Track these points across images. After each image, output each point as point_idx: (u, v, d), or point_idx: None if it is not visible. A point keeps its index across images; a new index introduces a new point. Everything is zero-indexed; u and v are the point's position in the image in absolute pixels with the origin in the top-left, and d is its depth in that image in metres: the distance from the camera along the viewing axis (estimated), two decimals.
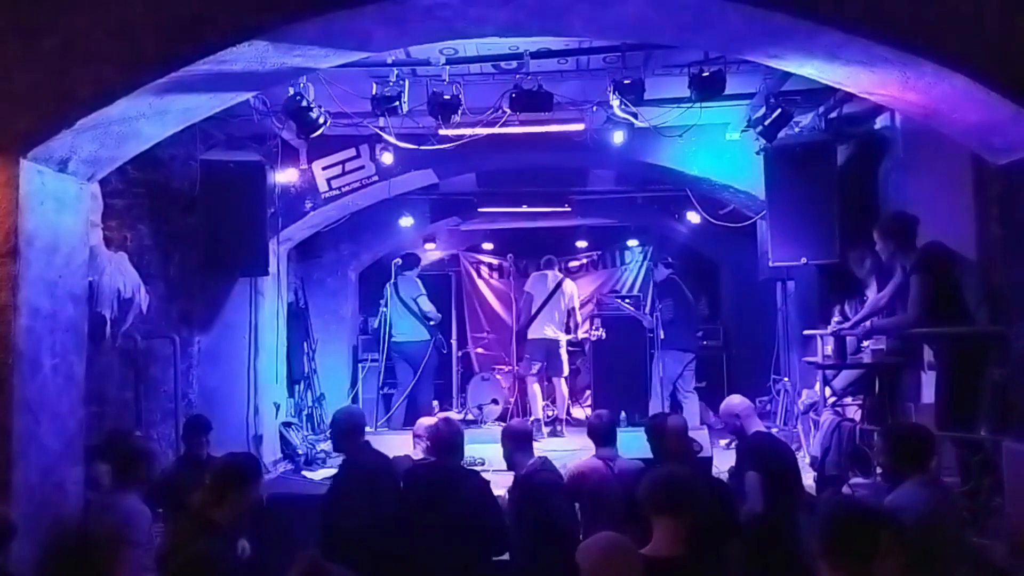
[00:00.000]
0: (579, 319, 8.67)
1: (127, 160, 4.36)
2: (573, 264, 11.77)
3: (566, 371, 8.19)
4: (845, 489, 5.16)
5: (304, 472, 6.89)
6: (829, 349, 5.34)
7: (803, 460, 5.59)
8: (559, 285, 8.13)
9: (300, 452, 7.19)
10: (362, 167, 7.45)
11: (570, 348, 9.68)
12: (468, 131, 6.26)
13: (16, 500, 3.42)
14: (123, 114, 3.69)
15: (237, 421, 6.58)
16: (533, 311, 8.02)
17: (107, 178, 4.77)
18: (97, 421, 5.18)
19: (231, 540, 3.52)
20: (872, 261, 5.40)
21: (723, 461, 5.64)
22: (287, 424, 7.53)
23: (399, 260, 8.25)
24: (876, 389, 5.24)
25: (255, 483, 3.46)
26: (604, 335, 8.37)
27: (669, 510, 2.84)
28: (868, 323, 4.93)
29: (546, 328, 7.97)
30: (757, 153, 6.57)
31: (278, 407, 7.43)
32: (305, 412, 8.49)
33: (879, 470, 4.10)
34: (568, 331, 8.23)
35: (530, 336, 8.05)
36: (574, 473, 4.39)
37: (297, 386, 8.50)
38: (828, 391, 5.69)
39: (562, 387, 8.13)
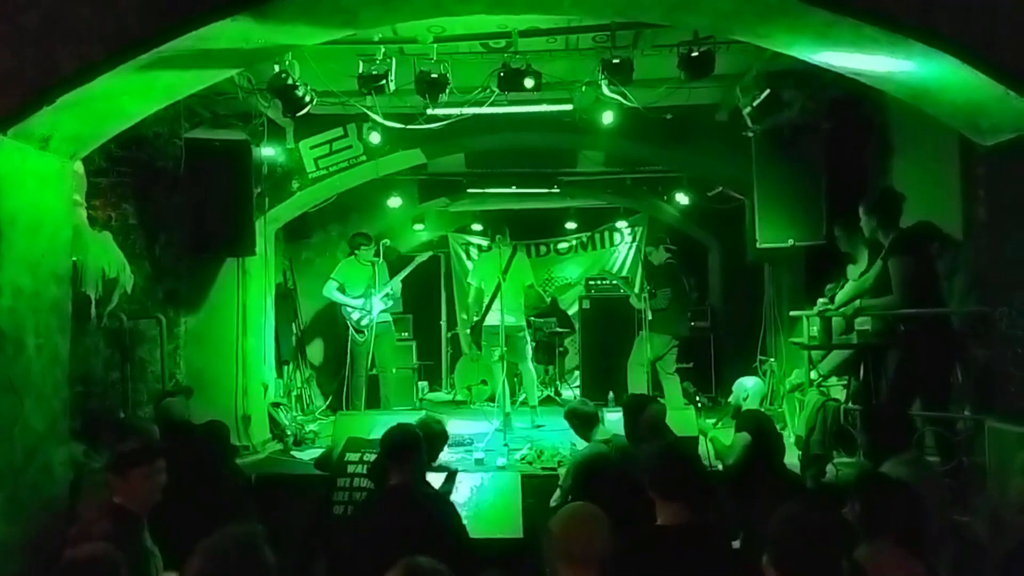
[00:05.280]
0: (541, 292, 8.50)
1: (111, 138, 4.31)
2: (562, 245, 11.78)
3: (530, 355, 7.95)
4: (829, 468, 5.24)
5: (293, 452, 6.90)
6: (815, 330, 5.39)
7: (788, 439, 5.65)
8: (510, 261, 7.56)
9: (289, 432, 7.21)
10: (349, 147, 7.39)
11: (558, 329, 9.74)
12: (456, 111, 6.22)
13: (1, 481, 3.41)
14: (106, 91, 3.63)
15: (225, 402, 6.57)
16: (486, 300, 7.57)
17: (91, 157, 4.73)
18: (83, 402, 5.16)
19: (140, 528, 3.13)
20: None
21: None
22: (276, 404, 7.53)
23: (387, 241, 8.17)
24: (861, 369, 5.29)
25: (154, 463, 3.21)
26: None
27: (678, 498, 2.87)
28: (856, 303, 4.97)
29: (503, 313, 7.21)
30: (745, 134, 6.57)
31: (266, 387, 7.42)
32: (294, 393, 8.50)
33: (862, 449, 4.17)
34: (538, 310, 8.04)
35: (486, 323, 7.56)
36: (586, 464, 4.50)
37: (286, 367, 8.50)
38: (815, 374, 5.74)
39: (530, 370, 7.89)
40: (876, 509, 2.48)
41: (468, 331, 10.07)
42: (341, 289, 7.79)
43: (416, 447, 3.49)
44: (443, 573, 2.10)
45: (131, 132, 4.57)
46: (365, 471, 4.52)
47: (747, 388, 5.17)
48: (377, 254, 7.88)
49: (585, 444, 4.85)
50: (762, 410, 5.12)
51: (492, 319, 7.48)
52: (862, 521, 2.49)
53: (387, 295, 7.75)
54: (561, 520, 2.51)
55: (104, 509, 3.13)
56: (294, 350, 8.82)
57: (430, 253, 9.13)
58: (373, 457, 4.53)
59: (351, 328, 7.69)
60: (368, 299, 7.65)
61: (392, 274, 7.93)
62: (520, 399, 8.19)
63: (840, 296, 5.21)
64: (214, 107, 6.53)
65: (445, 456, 4.98)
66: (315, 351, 9.30)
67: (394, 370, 8.20)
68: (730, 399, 5.41)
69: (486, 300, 7.68)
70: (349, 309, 7.73)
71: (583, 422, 4.85)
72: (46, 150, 3.78)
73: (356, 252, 7.89)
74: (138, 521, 3.12)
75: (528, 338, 7.96)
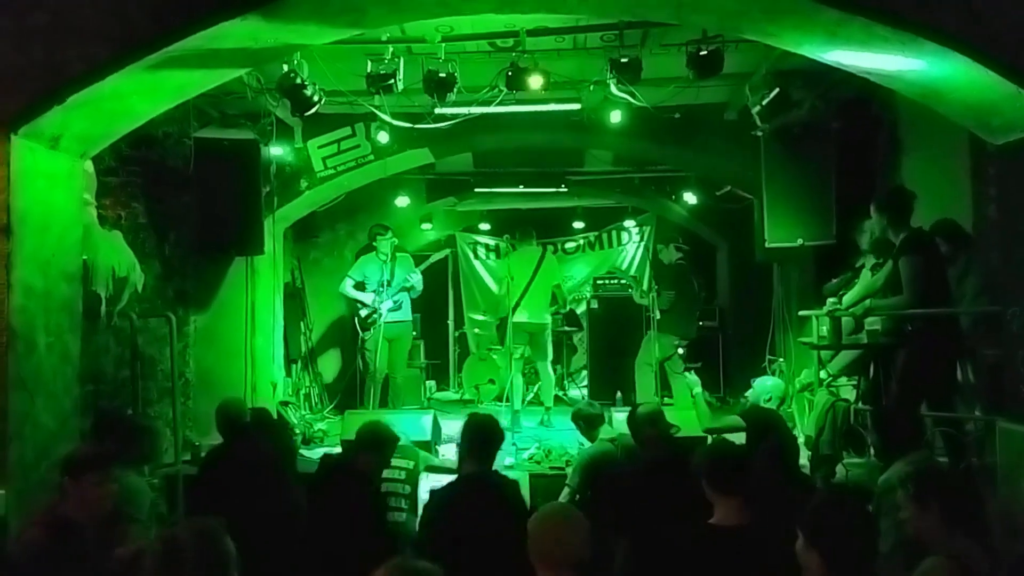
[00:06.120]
0: (565, 296, 8.52)
1: (120, 137, 4.33)
2: (570, 245, 11.77)
3: (551, 355, 7.98)
4: (839, 468, 5.21)
5: (302, 451, 6.89)
6: (825, 330, 5.36)
7: (797, 440, 5.62)
8: (541, 261, 7.80)
9: (297, 431, 7.22)
10: (357, 146, 7.41)
11: (566, 327, 9.74)
12: (464, 110, 6.22)
13: (12, 479, 3.42)
14: (115, 91, 3.65)
15: None
16: (515, 298, 7.59)
17: (101, 156, 4.74)
18: (93, 400, 5.19)
19: (82, 540, 2.88)
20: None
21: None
22: (284, 403, 7.54)
23: (395, 240, 8.12)
24: (870, 369, 5.26)
25: (107, 470, 3.00)
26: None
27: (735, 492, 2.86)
28: (867, 303, 4.94)
29: (530, 311, 7.52)
30: (754, 133, 6.54)
31: (275, 386, 7.44)
32: (303, 392, 8.52)
33: (872, 449, 4.15)
34: (555, 310, 8.04)
35: (513, 319, 7.62)
36: (593, 462, 4.59)
37: (294, 365, 8.51)
38: (824, 374, 5.71)
39: (548, 371, 7.91)
40: (958, 507, 2.59)
41: (476, 329, 10.09)
42: (360, 286, 7.59)
43: (500, 439, 3.69)
44: (434, 572, 2.10)
45: (141, 131, 4.59)
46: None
47: (767, 388, 5.18)
48: (399, 249, 7.74)
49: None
50: (774, 409, 5.11)
51: (520, 316, 7.58)
52: (944, 520, 2.56)
53: (404, 289, 7.51)
54: (537, 521, 2.50)
55: (42, 516, 2.93)
56: (302, 349, 8.83)
57: (448, 251, 9.08)
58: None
59: (358, 326, 7.67)
60: (379, 296, 7.49)
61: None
62: (529, 397, 8.18)
63: (850, 296, 5.19)
64: (223, 107, 6.56)
65: (453, 453, 4.98)
66: (326, 363, 9.31)
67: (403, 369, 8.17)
68: (747, 394, 5.42)
69: (515, 298, 7.64)
70: (359, 306, 7.71)
71: (588, 423, 4.95)
72: (56, 149, 3.80)
73: (374, 243, 7.67)
74: (81, 532, 2.84)
75: (549, 337, 7.97)
